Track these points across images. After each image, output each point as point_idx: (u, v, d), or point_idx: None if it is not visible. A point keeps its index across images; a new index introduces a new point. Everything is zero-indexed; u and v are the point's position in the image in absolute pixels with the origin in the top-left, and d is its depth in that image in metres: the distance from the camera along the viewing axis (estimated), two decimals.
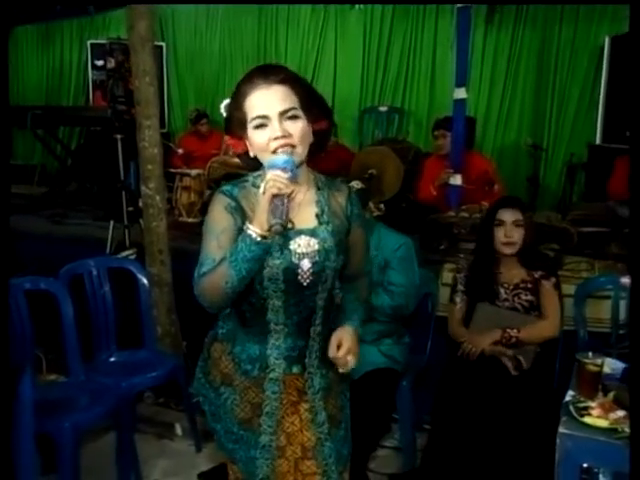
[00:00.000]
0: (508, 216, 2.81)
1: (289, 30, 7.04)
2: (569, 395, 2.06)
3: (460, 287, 2.95)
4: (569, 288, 3.06)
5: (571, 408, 1.96)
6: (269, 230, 1.48)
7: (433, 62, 6.40)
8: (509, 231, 2.79)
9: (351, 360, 1.71)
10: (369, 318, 2.82)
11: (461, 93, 4.59)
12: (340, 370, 1.72)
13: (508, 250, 2.82)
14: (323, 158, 5.03)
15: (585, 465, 1.93)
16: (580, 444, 1.86)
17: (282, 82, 1.57)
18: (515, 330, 2.72)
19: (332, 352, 1.69)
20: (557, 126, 5.91)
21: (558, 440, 1.88)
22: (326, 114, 1.69)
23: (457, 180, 4.64)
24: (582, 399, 2.02)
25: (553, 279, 2.82)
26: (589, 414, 1.93)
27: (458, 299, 2.95)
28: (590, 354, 2.11)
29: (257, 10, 7.04)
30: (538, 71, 5.97)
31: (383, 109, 6.60)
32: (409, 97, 6.58)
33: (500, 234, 2.81)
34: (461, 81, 4.59)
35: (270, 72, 1.58)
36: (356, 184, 2.91)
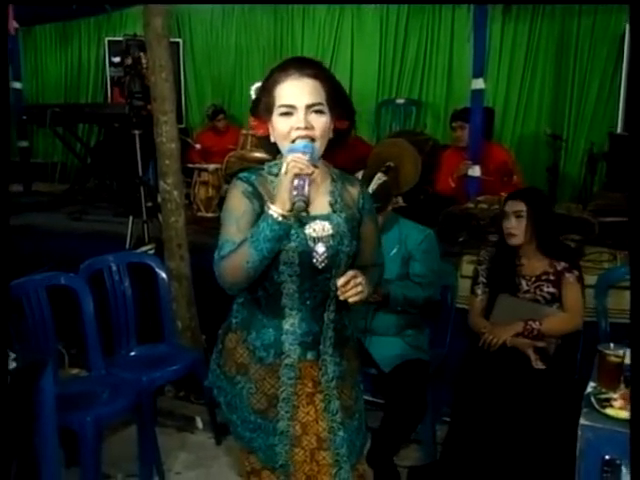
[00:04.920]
0: (509, 207, 2.84)
1: (305, 25, 7.02)
2: (590, 386, 2.04)
3: (481, 279, 2.94)
4: (590, 279, 3.03)
5: (592, 400, 1.95)
6: (291, 209, 1.54)
7: (450, 54, 6.34)
8: (509, 222, 2.81)
9: (360, 288, 1.59)
10: (390, 310, 2.86)
11: (479, 84, 4.57)
12: (350, 299, 1.59)
13: (511, 241, 2.82)
14: (340, 151, 5.01)
15: (607, 457, 1.91)
16: (602, 436, 1.84)
17: (314, 77, 1.63)
18: (537, 322, 2.70)
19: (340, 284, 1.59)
20: (577, 115, 5.84)
21: (579, 432, 1.86)
22: (349, 115, 1.74)
23: (476, 171, 4.61)
24: (604, 390, 2.00)
25: (576, 272, 2.80)
26: (611, 405, 1.91)
27: (479, 291, 2.94)
28: (612, 345, 2.08)
29: (273, 5, 7.03)
30: (557, 60, 5.89)
31: (400, 101, 6.57)
32: (426, 89, 6.53)
33: (504, 225, 2.84)
34: (478, 72, 4.56)
35: (305, 65, 1.64)
36: (379, 178, 2.93)
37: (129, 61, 4.75)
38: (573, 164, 5.82)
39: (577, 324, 2.78)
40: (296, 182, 1.52)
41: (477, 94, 4.59)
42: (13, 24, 6.25)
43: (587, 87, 5.77)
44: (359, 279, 1.60)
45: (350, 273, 1.60)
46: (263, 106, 1.68)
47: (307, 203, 1.53)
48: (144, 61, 4.50)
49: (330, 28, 6.89)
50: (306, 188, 1.52)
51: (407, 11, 6.49)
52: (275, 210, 1.55)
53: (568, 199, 5.35)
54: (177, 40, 7.22)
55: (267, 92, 1.66)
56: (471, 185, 4.64)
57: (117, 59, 5.00)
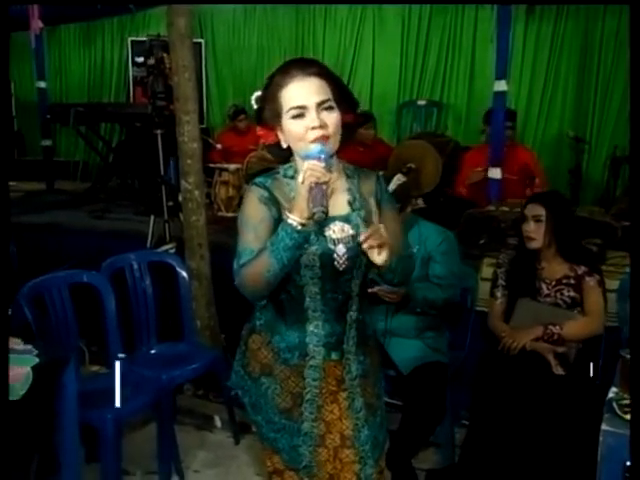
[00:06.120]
0: (528, 211, 2.83)
1: (327, 25, 7.02)
2: (612, 392, 2.02)
3: (501, 282, 2.92)
4: (613, 283, 3.00)
5: (614, 405, 1.93)
6: (310, 218, 1.53)
7: (472, 55, 6.31)
8: (528, 226, 2.80)
9: (384, 239, 1.55)
10: (409, 312, 2.86)
11: (501, 85, 4.53)
12: (377, 259, 1.56)
13: (529, 244, 2.81)
14: (361, 152, 5.03)
15: (628, 463, 1.89)
16: (623, 442, 1.82)
17: (317, 75, 1.62)
18: (557, 327, 2.69)
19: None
20: (600, 118, 5.77)
21: (601, 437, 1.84)
22: (353, 108, 1.73)
23: (496, 174, 4.58)
24: (626, 396, 1.98)
25: (597, 276, 2.77)
26: None
27: (499, 294, 2.92)
28: None
29: (294, 5, 7.05)
30: (581, 62, 5.83)
31: (421, 103, 6.54)
32: (448, 91, 6.50)
33: (523, 229, 2.83)
34: (501, 73, 4.53)
35: (306, 65, 1.63)
36: (398, 179, 2.92)
37: (152, 61, 4.79)
38: (596, 167, 5.75)
39: (598, 329, 2.75)
40: (314, 192, 1.52)
41: (499, 96, 4.56)
42: (38, 24, 6.33)
43: (611, 89, 5.70)
44: (381, 230, 1.54)
45: (372, 227, 1.55)
46: (269, 113, 1.66)
47: (326, 213, 1.53)
48: (167, 61, 4.53)
49: (352, 28, 6.88)
50: (324, 198, 1.52)
51: (429, 11, 6.46)
52: (294, 219, 1.54)
53: (590, 202, 5.30)
54: (199, 40, 7.26)
55: (272, 98, 1.64)
56: (492, 187, 4.61)
57: (140, 59, 5.04)
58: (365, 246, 1.54)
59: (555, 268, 2.82)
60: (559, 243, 2.79)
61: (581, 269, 2.78)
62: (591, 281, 2.76)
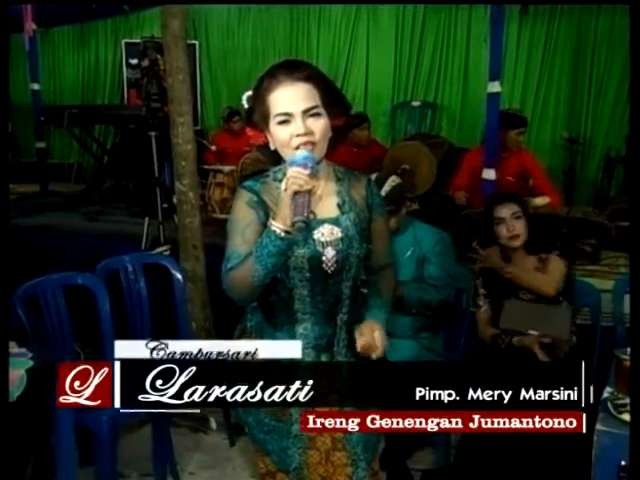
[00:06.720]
0: (505, 211, 2.82)
1: (321, 26, 7.03)
2: (607, 392, 2.03)
3: (481, 290, 2.93)
4: (607, 283, 3.02)
5: (609, 405, 1.93)
6: (292, 226, 1.52)
7: (466, 56, 6.34)
8: (510, 225, 2.81)
9: (377, 345, 1.71)
10: (405, 312, 2.86)
11: (495, 87, 4.53)
12: (373, 356, 1.70)
13: (516, 243, 2.82)
14: (355, 153, 5.03)
15: (623, 463, 1.90)
16: (618, 441, 1.83)
17: (306, 79, 1.60)
18: (511, 267, 2.77)
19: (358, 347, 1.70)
20: (594, 119, 5.81)
21: (595, 437, 1.85)
22: (344, 111, 1.71)
23: (491, 175, 4.58)
24: (620, 396, 1.98)
25: (555, 251, 2.84)
26: (627, 411, 1.89)
27: (481, 302, 2.92)
28: (629, 350, 2.07)
29: (288, 6, 7.05)
30: (574, 63, 5.87)
31: (416, 104, 6.56)
32: (442, 91, 6.53)
33: (503, 231, 2.82)
34: (495, 74, 4.54)
35: (294, 69, 1.61)
36: (393, 180, 2.92)
37: (146, 63, 4.79)
38: (590, 168, 5.78)
39: (548, 287, 2.76)
40: (296, 200, 1.51)
41: (493, 97, 4.56)
42: (32, 25, 6.31)
43: (604, 90, 5.74)
44: (376, 333, 1.69)
45: (365, 335, 1.67)
46: (258, 115, 1.65)
47: (307, 222, 1.53)
48: (161, 63, 4.53)
49: (346, 29, 6.90)
50: (306, 207, 1.51)
51: (423, 12, 6.48)
52: (277, 226, 1.54)
53: (585, 203, 5.32)
54: (193, 42, 7.25)
55: (260, 101, 1.63)
56: (486, 188, 4.62)
57: (134, 61, 5.05)
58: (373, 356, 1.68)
59: (526, 263, 2.84)
60: (530, 237, 2.83)
61: (545, 255, 2.82)
62: (550, 257, 2.81)
